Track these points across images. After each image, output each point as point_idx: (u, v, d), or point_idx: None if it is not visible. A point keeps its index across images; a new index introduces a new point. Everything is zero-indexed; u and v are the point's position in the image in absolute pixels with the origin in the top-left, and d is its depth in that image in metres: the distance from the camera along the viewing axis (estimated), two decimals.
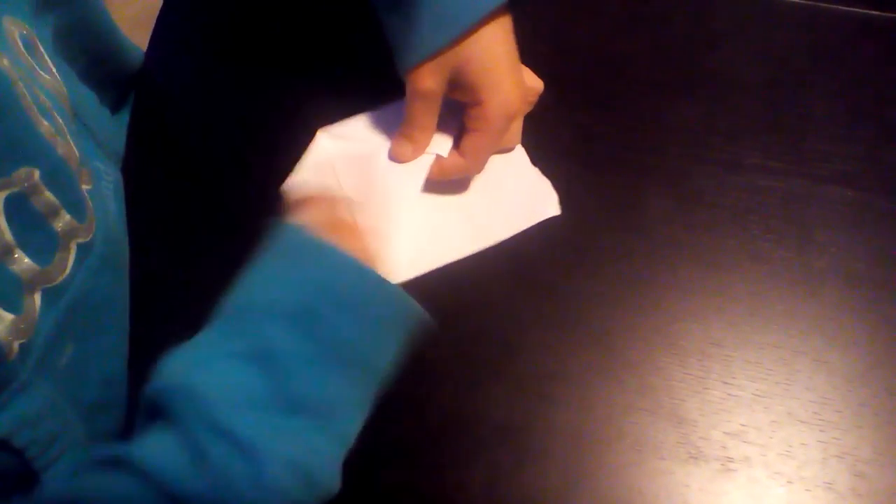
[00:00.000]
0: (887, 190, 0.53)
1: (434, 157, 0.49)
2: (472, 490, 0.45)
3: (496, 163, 0.51)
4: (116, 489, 0.33)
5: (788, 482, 0.45)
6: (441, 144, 0.49)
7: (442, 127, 0.49)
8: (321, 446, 0.36)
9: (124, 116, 0.57)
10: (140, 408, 0.36)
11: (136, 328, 0.49)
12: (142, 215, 0.52)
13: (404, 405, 0.41)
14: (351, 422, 0.38)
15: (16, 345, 0.34)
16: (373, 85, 0.49)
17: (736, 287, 0.50)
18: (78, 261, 0.39)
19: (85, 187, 0.42)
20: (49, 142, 0.37)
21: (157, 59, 0.59)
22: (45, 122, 0.38)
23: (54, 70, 0.43)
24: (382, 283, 0.39)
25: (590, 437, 0.47)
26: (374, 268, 0.40)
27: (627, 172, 0.53)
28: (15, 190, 0.34)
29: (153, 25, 0.59)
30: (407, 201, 0.49)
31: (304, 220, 0.43)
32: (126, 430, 0.48)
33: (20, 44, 0.39)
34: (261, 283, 0.40)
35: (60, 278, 0.38)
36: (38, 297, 0.36)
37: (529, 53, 0.51)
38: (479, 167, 0.49)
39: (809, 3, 0.59)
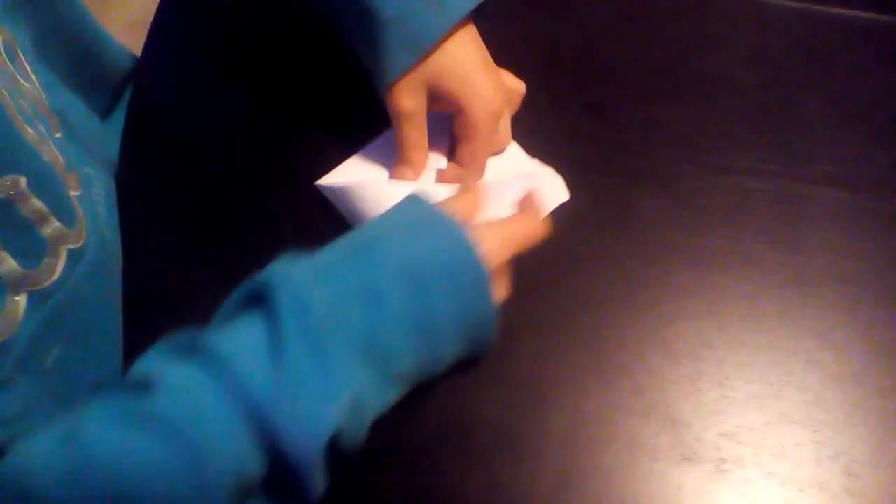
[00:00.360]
0: (878, 191, 0.53)
1: (435, 172, 0.50)
2: (467, 492, 0.45)
3: (496, 164, 0.51)
4: (194, 383, 0.33)
5: (782, 483, 0.45)
6: (439, 159, 0.50)
7: (436, 141, 0.50)
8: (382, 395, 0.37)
9: (117, 122, 0.57)
10: (233, 298, 0.37)
11: (129, 336, 0.49)
12: (136, 223, 0.52)
13: (401, 409, 0.41)
14: (394, 392, 0.39)
15: None
16: (367, 85, 0.49)
17: (728, 288, 0.50)
18: (69, 266, 0.40)
19: (73, 193, 0.42)
20: (35, 149, 0.38)
21: (152, 64, 0.59)
22: (30, 130, 0.38)
23: (33, 78, 0.43)
24: (488, 291, 0.39)
25: (583, 439, 0.47)
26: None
27: (619, 175, 0.54)
28: (1, 197, 0.35)
29: (148, 30, 0.60)
30: None
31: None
32: None
33: (2, 51, 0.39)
34: (390, 233, 0.40)
35: (48, 282, 0.38)
36: (22, 299, 0.36)
37: (521, 57, 0.51)
38: (478, 172, 0.50)
39: (800, 5, 0.60)
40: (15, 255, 0.36)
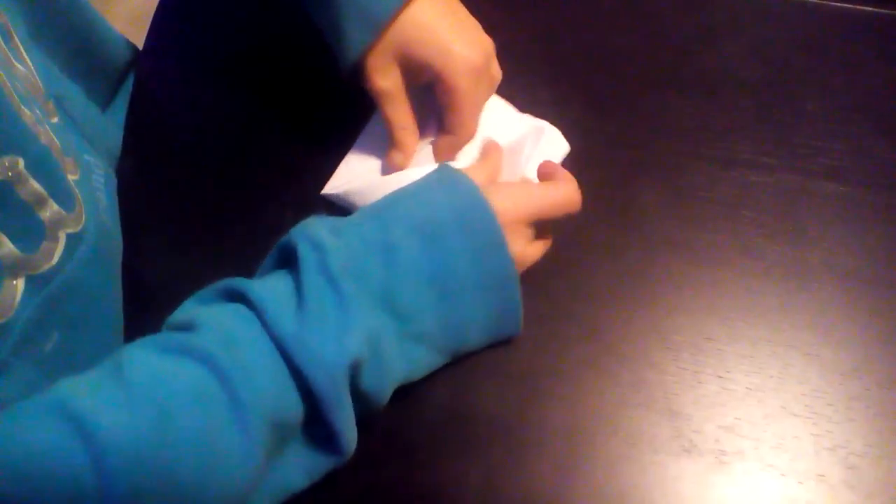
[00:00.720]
0: (879, 185, 0.53)
1: (430, 147, 0.49)
2: (467, 485, 0.45)
3: (486, 124, 0.50)
4: (230, 322, 0.37)
5: (781, 475, 0.46)
6: (431, 135, 0.49)
7: (428, 118, 0.49)
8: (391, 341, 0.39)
9: (119, 114, 0.57)
10: (268, 258, 0.41)
11: (130, 331, 0.49)
12: (138, 218, 0.52)
13: (400, 402, 0.42)
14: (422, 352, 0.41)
15: None
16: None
17: (729, 282, 0.51)
18: (68, 251, 0.39)
19: (71, 177, 0.42)
20: (32, 130, 0.37)
21: (153, 58, 0.59)
22: (27, 111, 0.37)
23: (28, 61, 0.42)
24: (503, 245, 0.41)
25: (584, 431, 0.47)
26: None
27: (620, 168, 0.54)
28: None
29: (149, 23, 0.60)
30: None
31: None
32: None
33: None
34: (405, 195, 0.42)
35: (46, 266, 0.38)
36: (20, 282, 0.36)
37: (523, 50, 0.51)
38: (469, 134, 0.49)
39: None
40: (13, 239, 0.36)
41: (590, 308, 0.50)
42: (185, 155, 0.56)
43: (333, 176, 0.52)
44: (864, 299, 0.50)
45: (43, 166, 0.38)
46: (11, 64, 0.40)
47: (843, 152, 0.54)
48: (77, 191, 0.41)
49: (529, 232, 0.44)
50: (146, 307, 0.50)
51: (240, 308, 0.37)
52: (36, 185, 0.37)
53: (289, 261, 0.39)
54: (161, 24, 0.60)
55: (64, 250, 0.39)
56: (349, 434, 0.38)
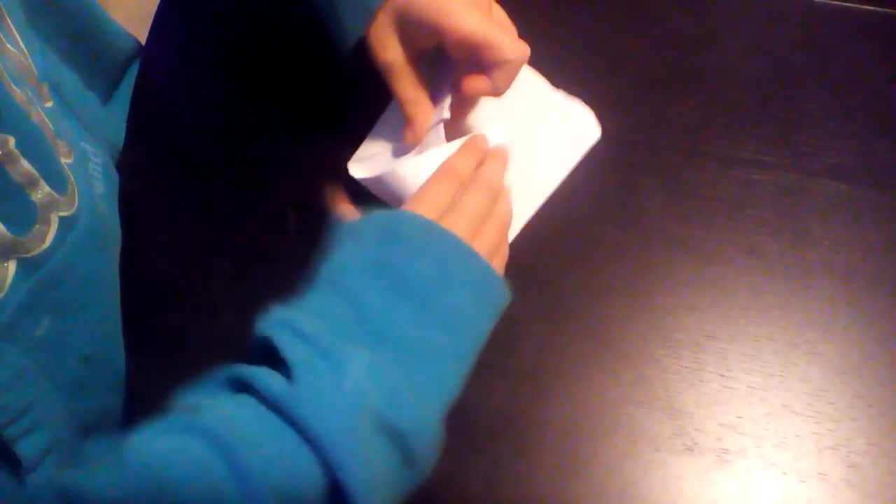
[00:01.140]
0: (880, 183, 0.53)
1: (442, 125, 0.46)
2: (469, 481, 0.45)
3: (517, 97, 0.48)
4: (230, 402, 0.36)
5: (783, 473, 0.46)
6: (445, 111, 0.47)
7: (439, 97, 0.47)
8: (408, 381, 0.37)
9: (120, 108, 0.57)
10: (252, 350, 0.39)
11: (132, 325, 0.49)
12: (139, 213, 0.52)
13: None
14: (438, 361, 0.39)
15: None
16: (373, 75, 0.49)
17: (730, 280, 0.51)
18: (60, 234, 0.39)
19: (64, 161, 0.41)
20: (23, 109, 0.37)
21: (155, 54, 0.59)
22: (18, 90, 0.37)
23: (21, 44, 0.42)
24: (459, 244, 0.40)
25: (585, 429, 0.47)
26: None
27: (622, 166, 0.54)
28: None
29: (152, 17, 0.59)
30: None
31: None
32: (124, 416, 0.49)
33: None
34: (344, 250, 0.41)
35: (38, 250, 0.38)
36: (11, 265, 0.36)
37: None
38: (518, 51, 0.43)
39: None
40: (4, 220, 0.35)
41: (591, 306, 0.50)
42: (187, 150, 0.56)
43: (360, 150, 0.51)
44: (865, 298, 0.50)
45: (34, 146, 0.37)
46: (3, 45, 0.39)
47: (845, 151, 0.54)
48: (70, 174, 0.41)
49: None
50: (146, 302, 0.50)
51: (240, 394, 0.36)
52: (27, 165, 0.36)
53: (267, 352, 0.38)
54: (164, 18, 0.60)
55: (56, 234, 0.39)
56: (364, 493, 0.34)
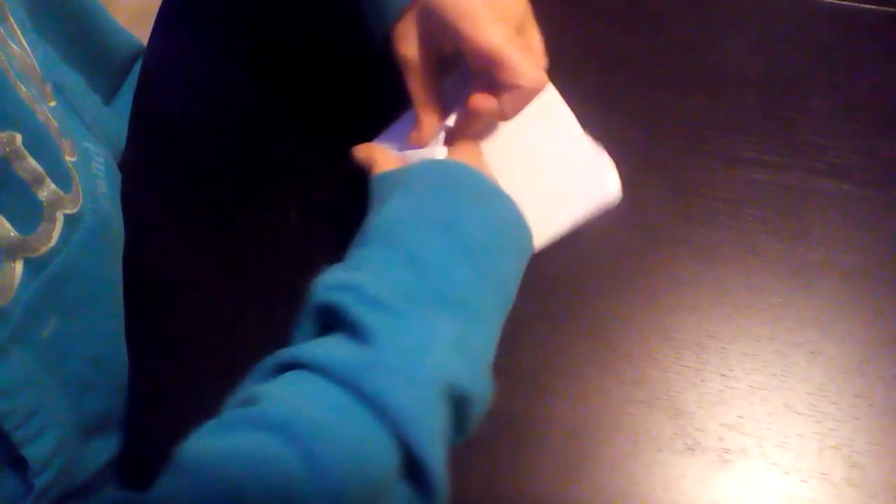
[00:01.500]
0: (883, 183, 0.53)
1: (443, 133, 0.45)
2: (471, 480, 0.45)
3: (542, 133, 0.46)
4: (291, 386, 0.33)
5: (785, 473, 0.46)
6: (452, 120, 0.45)
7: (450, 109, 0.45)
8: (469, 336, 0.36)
9: (123, 108, 0.57)
10: (303, 327, 0.37)
11: (135, 324, 0.49)
12: (142, 212, 0.52)
13: None
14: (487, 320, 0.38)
15: None
16: (376, 75, 0.49)
17: (732, 279, 0.50)
18: (65, 233, 0.39)
19: (69, 159, 0.41)
20: (29, 107, 0.37)
21: (157, 55, 0.59)
22: (23, 88, 0.37)
23: (24, 43, 0.42)
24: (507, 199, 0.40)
25: (587, 428, 0.47)
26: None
27: (623, 166, 0.53)
28: None
29: (154, 19, 0.60)
30: None
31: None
32: (124, 416, 0.49)
33: None
34: (398, 204, 0.40)
35: (44, 249, 0.38)
36: (19, 265, 0.36)
37: None
38: (534, 79, 0.40)
39: None
40: (11, 219, 0.35)
41: (593, 306, 0.50)
42: (189, 150, 0.56)
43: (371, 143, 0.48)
44: (867, 297, 0.50)
45: (40, 143, 0.37)
46: (7, 43, 0.39)
47: (847, 150, 0.54)
48: (74, 172, 0.41)
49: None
50: (149, 302, 0.50)
51: (297, 374, 0.34)
52: (33, 162, 0.36)
53: (328, 320, 0.37)
54: (166, 19, 0.60)
55: (62, 232, 0.39)
56: (441, 469, 0.33)
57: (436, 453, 0.33)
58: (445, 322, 0.35)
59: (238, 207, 0.53)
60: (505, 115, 0.42)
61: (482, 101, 0.42)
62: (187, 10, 0.60)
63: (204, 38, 0.59)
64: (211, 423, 0.33)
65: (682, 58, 0.57)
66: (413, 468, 0.33)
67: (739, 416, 0.47)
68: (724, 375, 0.48)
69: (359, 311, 0.34)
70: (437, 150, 0.45)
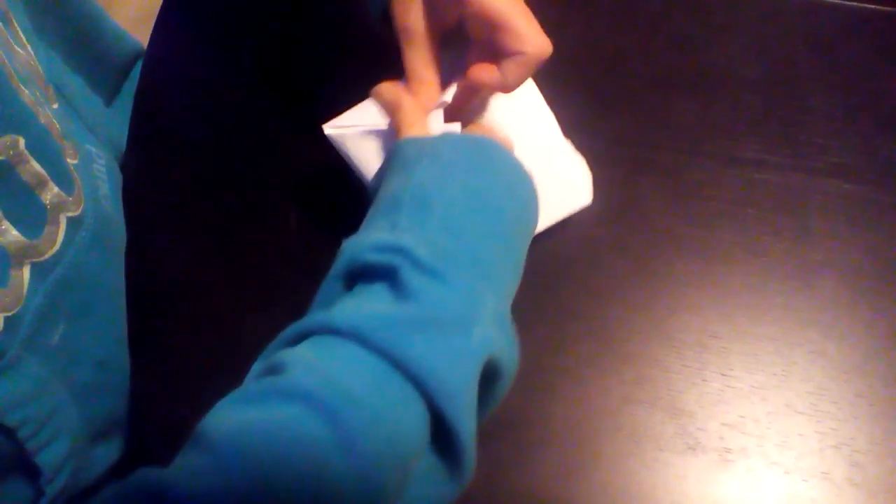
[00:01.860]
0: (884, 182, 0.53)
1: (441, 109, 0.44)
2: (472, 481, 0.45)
3: (523, 134, 0.46)
4: (321, 352, 0.32)
5: (785, 472, 0.46)
6: (449, 96, 0.44)
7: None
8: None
9: (123, 110, 0.57)
10: (332, 286, 0.36)
11: (136, 325, 0.49)
12: (142, 214, 0.52)
13: None
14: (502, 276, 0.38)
15: (0, 318, 0.34)
16: (374, 75, 0.49)
17: (733, 280, 0.51)
18: (69, 235, 0.39)
19: (70, 161, 0.41)
20: (32, 110, 0.37)
21: (157, 56, 0.59)
22: (26, 91, 0.37)
23: (28, 46, 0.42)
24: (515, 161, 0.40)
25: (588, 428, 0.47)
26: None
27: (624, 166, 0.54)
28: (1, 158, 0.34)
29: (154, 20, 0.60)
30: None
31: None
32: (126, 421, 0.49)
33: None
34: (429, 172, 0.39)
35: (50, 252, 0.37)
36: (26, 271, 0.36)
37: None
38: (539, 45, 0.40)
39: None
40: (17, 224, 0.35)
41: (593, 306, 0.50)
42: (189, 151, 0.56)
43: (340, 117, 0.47)
44: (868, 297, 0.50)
45: (42, 147, 0.37)
46: (11, 46, 0.39)
47: (848, 150, 0.54)
48: (76, 174, 0.41)
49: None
50: (151, 303, 0.50)
51: (325, 338, 0.33)
52: (36, 166, 0.36)
53: (366, 281, 0.35)
54: (166, 20, 0.60)
55: (65, 235, 0.39)
56: (473, 449, 0.33)
57: (470, 427, 0.32)
58: (489, 294, 0.35)
59: (238, 209, 0.53)
60: (507, 86, 0.41)
61: (484, 72, 0.41)
62: (187, 11, 0.60)
63: (204, 39, 0.59)
64: (235, 394, 0.32)
65: (682, 58, 0.57)
66: (444, 440, 0.32)
67: (740, 416, 0.47)
68: (725, 375, 0.48)
69: (408, 273, 0.33)
70: (450, 127, 0.44)
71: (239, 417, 0.30)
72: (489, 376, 0.34)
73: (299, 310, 0.38)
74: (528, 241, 0.41)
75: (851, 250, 0.51)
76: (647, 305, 0.50)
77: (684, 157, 0.54)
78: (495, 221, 0.38)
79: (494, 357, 0.34)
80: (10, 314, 0.34)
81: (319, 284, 0.38)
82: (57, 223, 0.38)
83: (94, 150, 0.48)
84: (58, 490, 0.38)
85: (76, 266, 0.40)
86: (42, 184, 0.37)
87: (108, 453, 0.46)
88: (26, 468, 0.37)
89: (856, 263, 0.51)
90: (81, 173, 0.42)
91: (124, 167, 0.54)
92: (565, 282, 0.50)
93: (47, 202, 0.37)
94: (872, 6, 0.58)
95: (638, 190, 0.53)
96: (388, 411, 0.31)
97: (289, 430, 0.29)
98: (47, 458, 0.37)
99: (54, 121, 0.40)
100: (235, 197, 0.54)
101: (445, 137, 0.40)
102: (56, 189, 0.38)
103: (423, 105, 0.43)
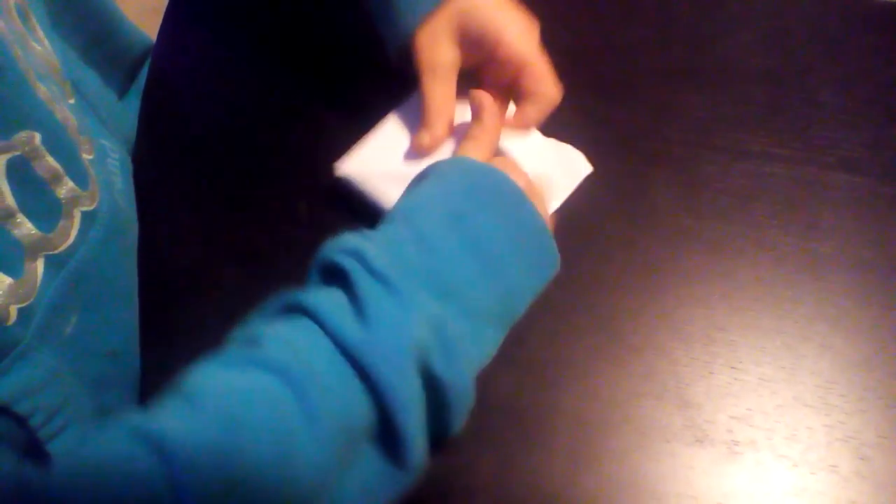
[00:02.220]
0: (892, 176, 0.53)
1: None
2: (480, 473, 0.46)
3: (515, 146, 0.48)
4: (293, 333, 0.36)
5: (794, 465, 0.46)
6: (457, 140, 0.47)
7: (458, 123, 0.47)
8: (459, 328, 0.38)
9: (134, 102, 0.57)
10: (311, 277, 0.40)
11: (148, 316, 0.49)
12: (153, 206, 0.53)
13: None
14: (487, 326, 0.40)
15: (14, 309, 0.34)
16: (385, 70, 0.49)
17: (741, 273, 0.51)
18: (83, 229, 0.39)
19: (86, 157, 0.42)
20: (48, 106, 0.37)
21: (167, 49, 0.59)
22: (42, 87, 0.37)
23: (46, 42, 0.42)
24: (519, 193, 0.41)
25: (596, 421, 0.47)
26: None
27: (633, 160, 0.54)
28: (16, 153, 0.34)
29: (163, 14, 0.60)
30: None
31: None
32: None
33: (14, 12, 0.39)
34: (427, 190, 0.42)
35: (64, 246, 0.38)
36: (40, 264, 0.36)
37: None
38: (552, 96, 0.47)
39: None
40: (32, 218, 0.35)
41: (602, 298, 0.50)
42: (198, 144, 0.56)
43: (350, 154, 0.49)
44: (876, 290, 0.50)
45: (58, 142, 0.37)
46: (28, 42, 0.40)
47: (857, 143, 0.54)
48: (91, 169, 0.41)
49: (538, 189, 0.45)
50: (162, 294, 0.51)
51: (300, 319, 0.36)
52: (52, 161, 0.37)
53: (332, 277, 0.39)
54: (174, 13, 0.60)
55: (80, 229, 0.39)
56: (418, 443, 0.36)
57: (412, 422, 0.35)
58: (432, 305, 0.37)
59: (248, 200, 0.54)
60: (527, 124, 0.47)
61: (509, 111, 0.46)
62: (196, 3, 0.60)
63: (213, 31, 0.60)
64: (217, 357, 0.35)
65: (691, 51, 0.57)
66: (389, 438, 0.35)
67: (748, 409, 0.47)
68: (733, 368, 0.48)
69: (357, 277, 0.36)
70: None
71: (219, 376, 0.34)
72: (435, 389, 0.36)
73: None
74: (532, 277, 0.42)
75: (860, 243, 0.51)
76: (655, 298, 0.50)
77: (693, 150, 0.54)
78: (475, 245, 0.39)
79: (429, 363, 0.36)
80: (23, 305, 0.35)
81: None
82: (71, 217, 0.39)
83: (108, 144, 0.48)
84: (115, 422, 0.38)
85: (90, 259, 0.40)
86: (57, 178, 0.37)
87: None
88: (38, 456, 0.37)
89: (864, 257, 0.51)
90: (97, 168, 0.43)
91: (134, 159, 0.54)
92: (573, 274, 0.50)
93: (62, 197, 0.38)
94: (882, 0, 0.58)
95: (647, 183, 0.53)
96: (338, 389, 0.34)
97: (259, 393, 0.33)
98: (59, 447, 0.37)
99: (71, 116, 0.40)
100: (245, 189, 0.54)
101: (459, 161, 0.42)
102: (71, 184, 0.39)
103: (441, 137, 0.47)
